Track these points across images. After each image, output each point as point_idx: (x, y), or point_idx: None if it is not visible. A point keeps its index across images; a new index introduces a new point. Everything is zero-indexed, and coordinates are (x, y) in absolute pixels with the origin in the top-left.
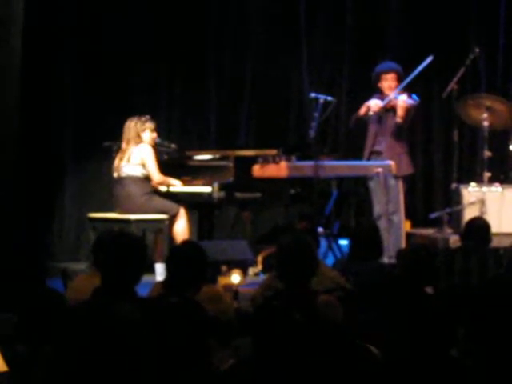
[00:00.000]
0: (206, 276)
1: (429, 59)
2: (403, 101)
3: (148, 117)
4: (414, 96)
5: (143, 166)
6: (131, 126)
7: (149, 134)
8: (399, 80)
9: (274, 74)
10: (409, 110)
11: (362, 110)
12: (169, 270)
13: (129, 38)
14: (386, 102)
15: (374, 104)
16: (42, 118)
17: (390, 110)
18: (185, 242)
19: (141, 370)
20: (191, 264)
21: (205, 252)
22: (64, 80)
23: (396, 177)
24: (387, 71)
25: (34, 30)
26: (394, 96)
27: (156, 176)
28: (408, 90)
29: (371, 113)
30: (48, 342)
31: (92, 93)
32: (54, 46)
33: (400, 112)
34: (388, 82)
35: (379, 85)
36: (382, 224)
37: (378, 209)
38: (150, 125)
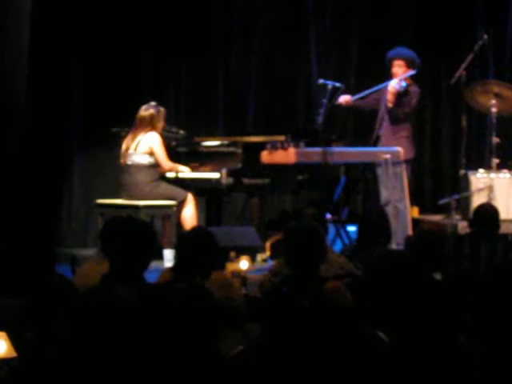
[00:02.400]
0: (215, 262)
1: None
2: (391, 86)
3: (156, 104)
4: (403, 83)
5: (150, 154)
6: (146, 115)
7: (162, 124)
8: (408, 68)
9: (283, 61)
10: (396, 95)
11: (340, 100)
12: (179, 256)
13: (136, 24)
14: (383, 85)
15: (343, 98)
16: (51, 104)
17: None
18: (195, 228)
19: (148, 356)
20: (202, 250)
21: (215, 238)
22: (71, 67)
23: (399, 162)
24: (395, 58)
25: (42, 16)
26: (388, 82)
27: (165, 163)
28: (416, 77)
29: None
30: (56, 327)
31: (100, 79)
32: (61, 33)
33: (388, 97)
34: (395, 69)
35: (392, 70)
36: (389, 210)
37: (385, 195)
38: (163, 113)
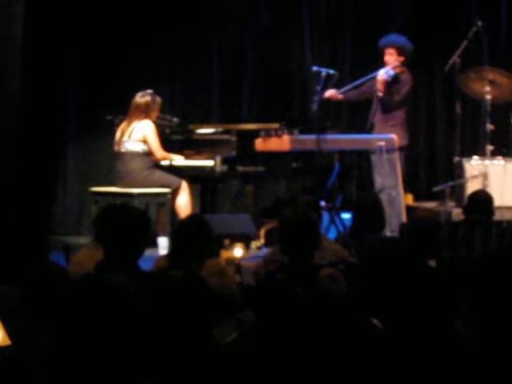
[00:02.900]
0: (210, 250)
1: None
2: (379, 75)
3: (153, 92)
4: (390, 71)
5: (144, 142)
6: (142, 102)
7: (157, 112)
8: (400, 55)
9: (277, 48)
10: (384, 84)
11: (326, 94)
12: (174, 243)
13: (132, 11)
14: (373, 74)
15: (329, 93)
16: (46, 91)
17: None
18: (191, 216)
19: (143, 344)
20: (196, 238)
21: (210, 226)
22: (67, 55)
23: (393, 149)
24: (387, 46)
25: (38, 4)
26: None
27: (158, 152)
28: (411, 64)
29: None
30: (50, 316)
31: (95, 67)
32: (56, 20)
33: (378, 86)
34: (387, 57)
35: (384, 58)
36: (383, 197)
37: (379, 182)
38: (159, 102)
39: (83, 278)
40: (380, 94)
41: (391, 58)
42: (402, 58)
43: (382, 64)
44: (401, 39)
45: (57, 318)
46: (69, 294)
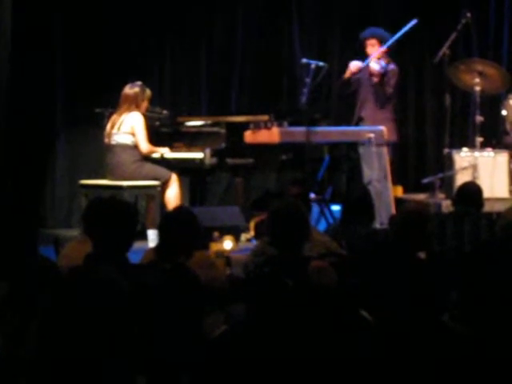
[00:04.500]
0: (198, 242)
1: (413, 22)
2: (372, 69)
3: (142, 83)
4: (382, 63)
5: (133, 134)
6: (131, 93)
7: (146, 104)
8: (380, 45)
9: (266, 40)
10: (380, 75)
11: (346, 73)
12: (161, 236)
13: (120, 5)
14: (365, 64)
15: (353, 65)
16: (34, 84)
17: (372, 76)
18: (177, 208)
19: (130, 336)
20: (184, 230)
21: (197, 218)
22: (55, 48)
23: (382, 142)
24: (369, 37)
25: None
26: (370, 60)
27: (144, 145)
28: (397, 55)
29: (348, 75)
30: (39, 309)
31: (83, 60)
32: (45, 14)
33: (375, 79)
34: (369, 48)
35: (366, 50)
36: (372, 190)
37: (368, 175)
38: (149, 94)
39: (71, 271)
40: (376, 80)
41: (373, 49)
42: (384, 49)
43: (364, 57)
44: (380, 30)
45: (45, 311)
46: (57, 288)
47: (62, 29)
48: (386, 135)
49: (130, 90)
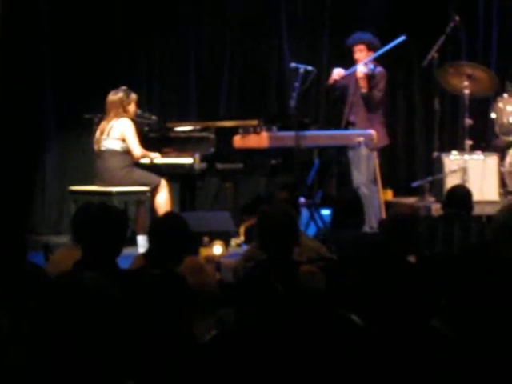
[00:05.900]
0: (188, 248)
1: (401, 38)
2: (359, 71)
3: (127, 88)
4: (370, 65)
5: (123, 140)
6: (115, 99)
7: (134, 108)
8: (369, 51)
9: (254, 45)
10: (367, 78)
11: (330, 80)
12: (151, 241)
13: (108, 9)
14: (349, 71)
15: (336, 72)
16: (23, 90)
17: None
18: (167, 214)
19: (120, 342)
20: (173, 236)
21: (187, 223)
22: (44, 53)
23: (371, 148)
24: (356, 43)
25: (13, 2)
26: (356, 67)
27: (137, 150)
28: (385, 58)
29: (331, 82)
30: (28, 315)
31: (72, 65)
32: (33, 19)
33: (360, 83)
34: (357, 54)
35: (354, 56)
36: (361, 194)
37: (357, 179)
38: (134, 97)
39: (59, 277)
40: (364, 91)
41: (361, 55)
42: (371, 54)
43: (352, 64)
44: (367, 35)
45: (34, 317)
46: (45, 294)
47: (51, 33)
48: (376, 139)
49: (114, 95)
